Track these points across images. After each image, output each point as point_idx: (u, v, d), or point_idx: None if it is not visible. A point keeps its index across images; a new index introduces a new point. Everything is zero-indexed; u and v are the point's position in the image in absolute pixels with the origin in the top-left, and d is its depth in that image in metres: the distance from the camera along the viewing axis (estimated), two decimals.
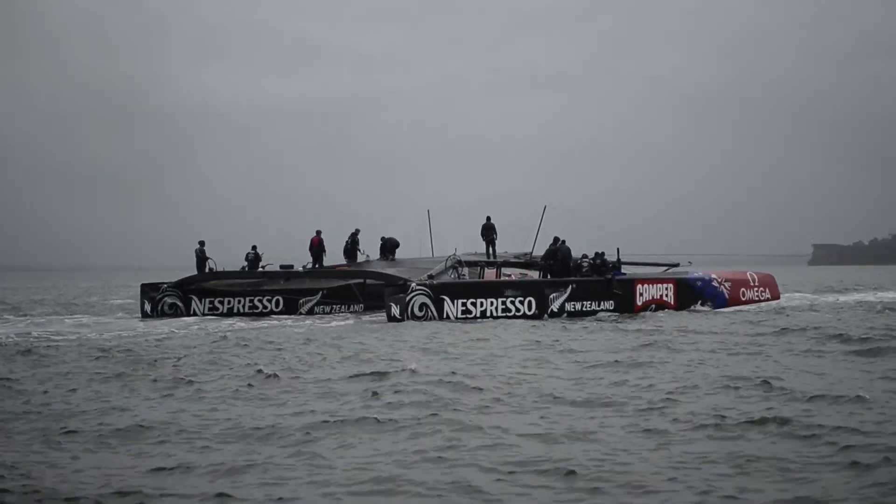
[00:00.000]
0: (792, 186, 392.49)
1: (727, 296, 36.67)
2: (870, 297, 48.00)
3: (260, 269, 37.98)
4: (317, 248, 37.85)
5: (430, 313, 31.54)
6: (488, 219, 37.06)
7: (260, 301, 37.79)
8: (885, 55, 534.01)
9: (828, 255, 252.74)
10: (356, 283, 38.84)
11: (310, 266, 38.01)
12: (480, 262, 36.22)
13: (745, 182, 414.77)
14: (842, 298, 46.62)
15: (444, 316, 31.65)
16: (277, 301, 37.92)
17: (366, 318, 35.03)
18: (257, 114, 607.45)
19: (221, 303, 37.30)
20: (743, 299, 37.14)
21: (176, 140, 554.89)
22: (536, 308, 32.75)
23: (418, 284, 31.91)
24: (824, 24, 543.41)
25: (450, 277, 34.09)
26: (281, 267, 37.65)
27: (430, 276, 32.95)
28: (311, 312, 38.04)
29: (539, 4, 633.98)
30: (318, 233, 38.06)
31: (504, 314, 32.31)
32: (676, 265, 38.62)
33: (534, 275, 36.10)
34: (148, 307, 36.77)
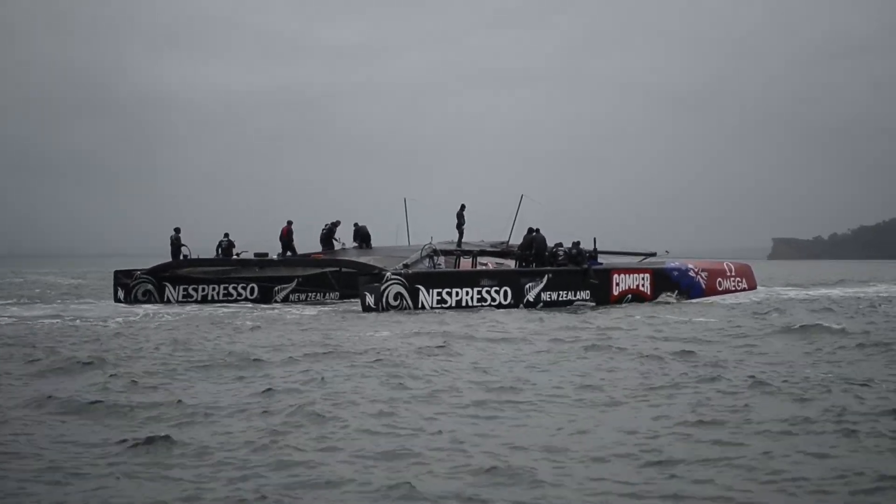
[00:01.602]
0: (754, 181, 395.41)
1: (703, 286, 36.64)
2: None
3: (234, 257, 37.67)
4: (286, 237, 37.53)
5: (405, 303, 31.32)
6: (462, 207, 36.97)
7: (234, 288, 37.54)
8: (851, 56, 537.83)
9: (787, 249, 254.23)
10: (331, 272, 38.69)
11: (280, 255, 37.76)
12: (456, 250, 36.06)
13: (707, 176, 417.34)
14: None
15: (420, 306, 31.44)
16: (252, 289, 37.71)
17: (342, 307, 34.84)
18: (223, 105, 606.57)
19: (196, 290, 37.00)
20: (720, 289, 37.12)
21: (141, 128, 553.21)
22: (512, 298, 32.58)
23: (393, 274, 31.65)
24: (794, 25, 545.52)
25: (425, 266, 33.89)
26: (256, 255, 37.34)
27: (406, 266, 32.71)
28: (286, 300, 37.90)
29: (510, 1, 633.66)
30: (290, 223, 37.74)
31: (480, 304, 32.13)
32: (653, 254, 38.62)
33: (510, 264, 36.01)
34: (121, 294, 36.44)
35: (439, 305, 31.64)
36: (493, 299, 32.38)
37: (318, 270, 38.48)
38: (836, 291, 46.45)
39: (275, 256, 37.30)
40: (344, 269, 37.73)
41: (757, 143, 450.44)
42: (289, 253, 37.42)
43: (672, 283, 36.01)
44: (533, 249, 34.36)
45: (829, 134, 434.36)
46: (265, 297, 37.49)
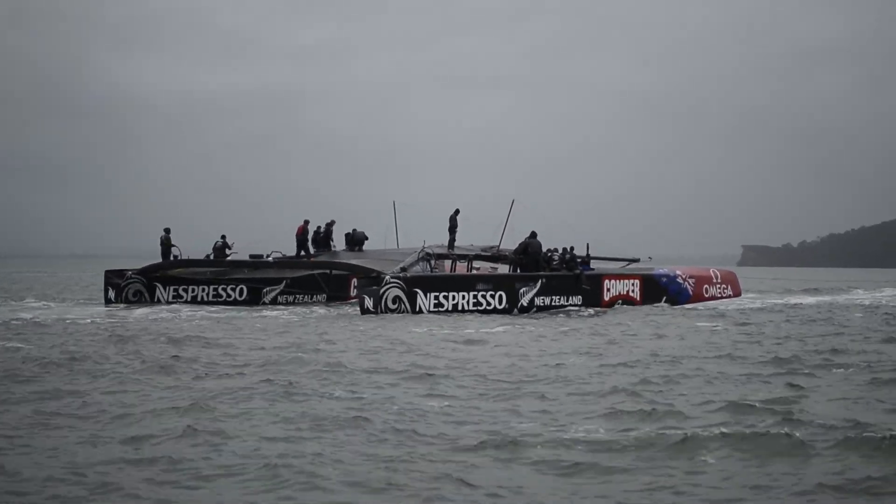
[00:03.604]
0: (724, 188, 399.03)
1: (691, 292, 37.16)
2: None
3: (225, 258, 37.68)
4: (301, 236, 37.71)
5: (403, 306, 31.49)
6: (456, 211, 37.17)
7: (224, 290, 37.50)
8: (819, 63, 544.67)
9: (757, 256, 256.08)
10: (320, 274, 38.76)
11: (279, 255, 37.85)
12: (452, 254, 36.27)
13: (677, 183, 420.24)
14: None
15: (417, 309, 31.62)
16: (241, 290, 37.66)
17: (320, 309, 34.91)
18: (191, 105, 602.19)
19: (186, 291, 36.94)
20: (706, 296, 37.65)
21: (108, 128, 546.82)
22: (507, 302, 32.86)
23: (392, 277, 31.79)
24: (764, 31, 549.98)
25: (421, 270, 34.06)
26: (251, 256, 37.37)
27: (403, 269, 32.87)
28: (274, 302, 37.87)
29: (479, 4, 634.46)
30: (306, 222, 38.00)
31: (475, 308, 32.38)
32: (636, 260, 39.09)
33: (502, 268, 36.29)
34: (112, 294, 36.28)
35: (436, 309, 31.84)
36: (489, 304, 32.64)
37: (307, 272, 38.57)
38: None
39: (267, 257, 37.35)
40: (334, 272, 37.94)
41: (726, 150, 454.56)
42: (302, 252, 37.66)
43: (661, 290, 36.52)
44: (525, 254, 34.68)
45: (801, 142, 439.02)
46: (254, 299, 37.49)
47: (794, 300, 45.43)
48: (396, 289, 31.52)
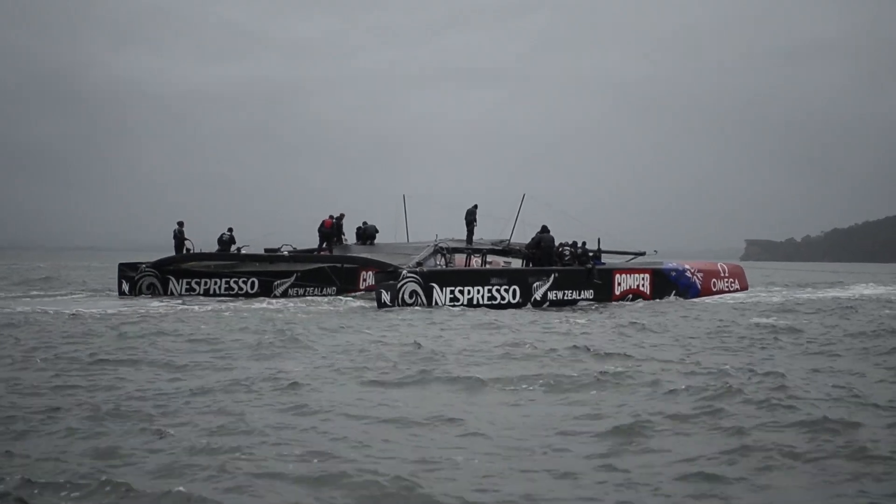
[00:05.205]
0: (724, 182, 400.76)
1: (700, 286, 37.60)
2: None
3: (239, 252, 37.93)
4: (329, 230, 38.07)
5: (419, 300, 31.73)
6: (475, 207, 37.44)
7: (236, 283, 37.75)
8: (820, 56, 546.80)
9: (760, 251, 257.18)
10: (330, 266, 39.04)
11: (290, 248, 38.10)
12: (467, 248, 36.54)
13: (675, 176, 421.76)
14: None
15: (433, 303, 31.87)
16: (253, 283, 37.93)
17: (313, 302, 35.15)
18: (190, 97, 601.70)
19: (198, 284, 37.19)
20: (714, 290, 38.11)
21: (107, 121, 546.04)
22: (521, 296, 33.14)
23: (409, 271, 32.02)
24: (763, 24, 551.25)
25: (434, 264, 34.34)
26: (266, 250, 37.63)
27: (419, 264, 33.12)
28: (285, 294, 38.14)
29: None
30: (332, 217, 38.32)
31: (489, 302, 32.63)
32: (642, 254, 39.47)
33: (515, 262, 36.62)
34: (126, 287, 36.47)
35: (452, 303, 32.08)
36: (503, 298, 32.91)
37: (317, 265, 38.88)
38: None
39: (284, 251, 37.62)
40: (346, 265, 38.26)
41: (723, 143, 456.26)
42: (325, 245, 38.00)
43: (670, 284, 36.92)
44: (538, 248, 34.96)
45: (806, 135, 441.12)
46: (266, 292, 37.75)
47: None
48: (413, 283, 31.74)
